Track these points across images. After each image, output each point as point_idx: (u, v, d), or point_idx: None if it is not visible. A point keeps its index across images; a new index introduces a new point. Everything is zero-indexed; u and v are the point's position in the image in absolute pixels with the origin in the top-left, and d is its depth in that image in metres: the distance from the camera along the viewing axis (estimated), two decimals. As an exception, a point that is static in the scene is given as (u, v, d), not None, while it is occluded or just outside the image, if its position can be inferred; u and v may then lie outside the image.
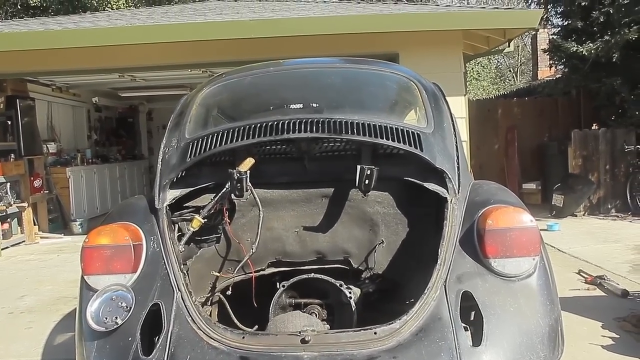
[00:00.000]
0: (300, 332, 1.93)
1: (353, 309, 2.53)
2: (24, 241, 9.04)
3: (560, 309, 2.17)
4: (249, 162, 2.45)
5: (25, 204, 8.99)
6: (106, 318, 2.09)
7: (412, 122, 2.67)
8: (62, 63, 7.86)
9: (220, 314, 2.74)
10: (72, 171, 10.32)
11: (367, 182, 2.35)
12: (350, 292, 2.56)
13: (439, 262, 2.11)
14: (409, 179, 2.44)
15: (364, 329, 1.94)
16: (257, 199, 2.41)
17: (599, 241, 7.41)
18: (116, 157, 12.89)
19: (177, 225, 2.56)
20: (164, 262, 2.21)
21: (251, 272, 2.57)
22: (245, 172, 2.35)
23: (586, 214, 9.47)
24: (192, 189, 2.51)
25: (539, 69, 18.70)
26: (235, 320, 2.59)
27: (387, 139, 2.37)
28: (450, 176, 2.37)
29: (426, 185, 2.39)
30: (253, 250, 2.42)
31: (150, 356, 1.95)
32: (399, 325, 1.94)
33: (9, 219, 8.72)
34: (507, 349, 1.94)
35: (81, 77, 9.34)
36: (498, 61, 30.56)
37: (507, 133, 11.14)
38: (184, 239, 2.40)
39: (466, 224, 2.25)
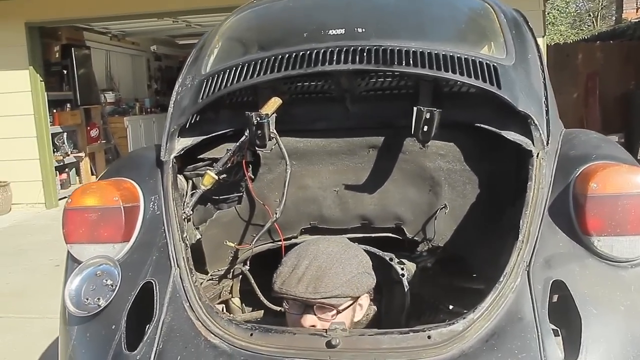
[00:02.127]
0: (327, 332, 1.43)
1: (406, 289, 2.01)
2: (82, 191, 8.98)
3: None
4: (274, 103, 1.93)
5: (83, 154, 8.91)
6: (87, 299, 1.67)
7: (487, 52, 2.05)
8: (113, 8, 7.52)
9: (243, 290, 2.29)
10: (130, 120, 10.18)
11: (426, 128, 1.78)
12: (402, 269, 2.03)
13: (520, 239, 1.55)
14: (482, 125, 1.85)
15: (414, 331, 1.41)
16: (284, 150, 1.89)
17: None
18: (176, 107, 12.67)
19: (191, 181, 2.11)
20: (164, 229, 1.76)
21: (280, 240, 2.09)
22: (267, 115, 1.83)
23: (678, 170, 8.46)
24: (206, 137, 2.02)
25: (624, 10, 17.13)
26: (262, 297, 2.15)
27: (454, 72, 1.80)
28: (536, 122, 1.79)
29: (504, 134, 1.81)
30: (277, 215, 1.92)
31: (135, 352, 1.51)
32: (462, 326, 1.40)
33: (66, 169, 8.67)
34: None
35: (134, 23, 9.00)
36: (577, 5, 28.24)
37: (588, 80, 10.08)
38: (193, 199, 1.94)
39: (558, 187, 1.67)
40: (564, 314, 1.46)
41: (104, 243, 1.75)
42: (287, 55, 1.89)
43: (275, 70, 1.87)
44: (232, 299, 2.41)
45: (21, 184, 7.75)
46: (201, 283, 1.98)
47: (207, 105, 2.02)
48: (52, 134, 8.16)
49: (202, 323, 1.53)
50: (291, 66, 1.86)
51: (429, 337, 1.39)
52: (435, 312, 2.22)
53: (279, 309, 2.07)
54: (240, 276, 2.23)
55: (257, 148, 1.94)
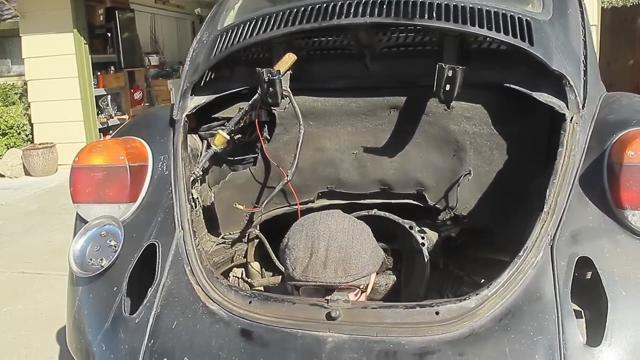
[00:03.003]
0: (328, 302, 1.35)
1: (426, 259, 1.90)
2: (125, 153, 9.14)
3: None
4: (289, 59, 1.83)
5: (126, 116, 9.01)
6: (91, 259, 1.64)
7: (521, 5, 1.88)
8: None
9: (258, 254, 2.23)
10: (174, 83, 10.14)
11: (448, 87, 1.65)
12: (423, 237, 1.92)
13: (545, 210, 1.42)
14: (512, 86, 1.70)
15: (420, 306, 1.31)
16: (297, 109, 1.79)
17: None
18: (220, 70, 12.71)
19: (205, 141, 2.05)
20: (171, 190, 1.70)
21: (296, 204, 2.01)
22: (279, 71, 1.73)
23: None
24: (220, 95, 1.94)
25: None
26: (277, 262, 2.09)
27: (481, 26, 1.65)
28: (572, 83, 1.63)
29: (536, 95, 1.66)
30: (288, 178, 1.84)
31: (135, 315, 1.48)
32: (474, 303, 1.29)
33: (110, 131, 8.78)
34: None
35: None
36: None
37: (646, 46, 9.48)
38: (204, 159, 1.86)
39: (592, 155, 1.52)
40: (589, 294, 1.33)
41: (109, 203, 1.71)
42: (303, 8, 1.77)
43: (290, 24, 1.76)
44: (252, 263, 2.37)
45: (66, 145, 7.89)
46: (211, 246, 1.93)
47: (221, 62, 1.94)
48: (96, 96, 8.27)
49: (201, 288, 1.47)
50: (306, 20, 1.75)
51: (437, 312, 1.29)
52: (458, 284, 2.11)
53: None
54: (256, 240, 2.17)
55: (270, 107, 1.85)
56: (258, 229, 2.07)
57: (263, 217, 2.08)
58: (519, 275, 1.32)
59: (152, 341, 1.41)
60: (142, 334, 1.44)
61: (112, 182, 1.71)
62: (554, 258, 1.34)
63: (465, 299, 1.30)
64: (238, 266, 2.32)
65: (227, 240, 2.05)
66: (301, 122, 1.79)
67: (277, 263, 2.14)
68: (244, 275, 2.38)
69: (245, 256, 2.21)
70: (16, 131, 8.16)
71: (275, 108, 1.84)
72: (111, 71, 8.75)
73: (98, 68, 8.43)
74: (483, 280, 2.14)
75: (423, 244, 1.91)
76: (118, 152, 1.72)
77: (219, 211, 1.98)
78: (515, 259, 1.34)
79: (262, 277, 2.38)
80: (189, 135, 1.99)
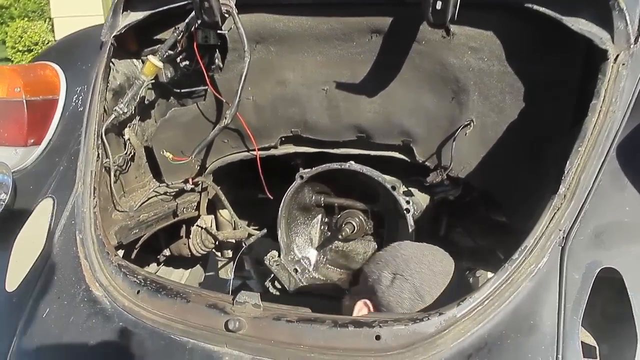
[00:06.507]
0: (233, 304, 0.99)
1: (410, 229, 1.52)
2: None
3: None
4: None
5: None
6: (-25, 216, 1.32)
7: None
8: None
9: (212, 206, 1.91)
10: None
11: (439, 5, 1.19)
12: (408, 202, 1.53)
13: (560, 192, 1.00)
14: (536, 7, 1.23)
15: (356, 324, 0.93)
16: (241, 30, 1.37)
17: None
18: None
19: None
20: (83, 131, 1.35)
21: (254, 150, 1.64)
22: None
23: None
24: (156, 10, 1.53)
25: None
26: (234, 215, 1.80)
27: None
28: (622, 5, 1.15)
29: (568, 21, 1.19)
30: (226, 120, 1.47)
31: (14, 290, 1.17)
32: (434, 327, 0.90)
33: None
34: None
35: None
36: None
37: None
38: (130, 93, 1.49)
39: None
40: (610, 320, 0.92)
41: (4, 146, 1.39)
42: None
43: None
44: (220, 211, 2.05)
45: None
46: (143, 199, 1.59)
47: None
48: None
49: (89, 265, 1.15)
50: None
51: (377, 337, 0.91)
52: (455, 257, 1.74)
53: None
54: (211, 190, 1.83)
55: (209, 28, 1.44)
56: (211, 178, 1.73)
57: (217, 164, 1.72)
58: (507, 289, 0.91)
59: (20, 336, 1.11)
60: (16, 319, 1.14)
61: (7, 120, 1.37)
62: (564, 266, 0.92)
63: (421, 320, 0.91)
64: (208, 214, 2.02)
65: (170, 192, 1.71)
66: (246, 48, 1.39)
67: (235, 217, 1.83)
68: (213, 225, 2.07)
69: (197, 208, 1.87)
70: (41, 47, 7.94)
71: (215, 29, 1.43)
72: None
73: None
74: (490, 245, 1.77)
75: (407, 210, 1.52)
76: (14, 81, 1.36)
77: (158, 156, 1.63)
78: (506, 264, 0.93)
79: (234, 228, 2.07)
80: (128, 61, 1.63)
